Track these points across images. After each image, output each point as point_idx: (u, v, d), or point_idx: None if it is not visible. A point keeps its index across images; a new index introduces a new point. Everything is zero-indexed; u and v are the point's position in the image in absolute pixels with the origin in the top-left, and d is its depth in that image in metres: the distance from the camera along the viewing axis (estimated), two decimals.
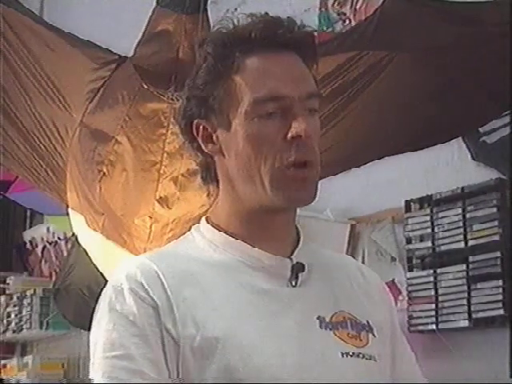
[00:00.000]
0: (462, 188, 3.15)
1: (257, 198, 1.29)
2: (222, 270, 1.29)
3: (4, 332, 5.00)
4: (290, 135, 1.25)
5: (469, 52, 2.31)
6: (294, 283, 1.30)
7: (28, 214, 5.53)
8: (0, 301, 5.08)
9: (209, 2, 2.70)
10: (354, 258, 3.63)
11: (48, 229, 5.17)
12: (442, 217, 3.19)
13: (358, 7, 3.74)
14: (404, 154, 2.84)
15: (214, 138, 1.31)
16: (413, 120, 2.58)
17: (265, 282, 1.28)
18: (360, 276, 1.44)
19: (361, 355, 1.29)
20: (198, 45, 1.34)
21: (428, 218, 3.23)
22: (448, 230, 3.16)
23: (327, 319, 1.30)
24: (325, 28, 3.88)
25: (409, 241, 3.32)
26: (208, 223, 1.35)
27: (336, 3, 3.84)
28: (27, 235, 5.46)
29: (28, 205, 4.60)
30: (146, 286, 1.23)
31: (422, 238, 3.27)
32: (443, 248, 3.17)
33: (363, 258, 3.59)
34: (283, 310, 1.27)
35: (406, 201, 3.34)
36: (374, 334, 1.33)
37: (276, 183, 1.26)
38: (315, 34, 1.36)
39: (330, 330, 1.29)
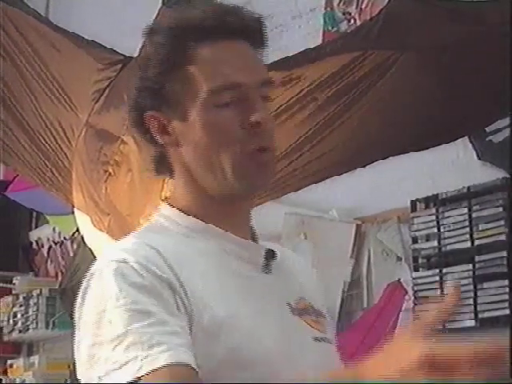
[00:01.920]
0: (468, 187, 3.14)
1: (218, 186, 1.28)
2: (208, 255, 1.27)
3: (10, 332, 5.01)
4: (249, 123, 1.26)
5: (474, 51, 2.31)
6: (267, 270, 1.32)
7: (34, 214, 5.53)
8: (6, 301, 5.09)
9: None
10: (359, 258, 3.66)
11: (54, 229, 5.18)
12: (448, 216, 3.19)
13: (363, 7, 3.74)
14: (409, 153, 2.84)
15: (170, 129, 1.30)
16: (418, 120, 2.58)
17: (244, 268, 1.29)
18: (302, 264, 1.49)
19: (325, 339, 1.35)
20: (146, 34, 1.33)
21: (434, 217, 3.23)
22: (454, 230, 3.15)
23: (293, 305, 1.33)
24: (330, 28, 3.88)
25: (415, 240, 3.32)
26: (176, 211, 1.32)
27: (341, 3, 3.84)
28: (33, 235, 5.47)
29: (27, 204, 4.61)
30: (153, 261, 1.19)
31: (427, 238, 3.27)
32: (449, 248, 3.17)
33: (369, 257, 3.59)
34: (265, 296, 1.29)
35: (412, 200, 3.34)
36: (326, 319, 1.39)
37: (237, 171, 1.26)
38: (262, 19, 1.34)
39: (299, 316, 1.32)
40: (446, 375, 0.92)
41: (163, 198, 1.38)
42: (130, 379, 1.09)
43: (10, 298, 5.06)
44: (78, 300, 1.23)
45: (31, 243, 5.48)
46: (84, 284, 1.23)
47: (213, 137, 1.26)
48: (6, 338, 5.07)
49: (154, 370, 1.08)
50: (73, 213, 4.17)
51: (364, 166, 2.86)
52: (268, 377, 1.18)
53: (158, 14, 2.71)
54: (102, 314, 1.15)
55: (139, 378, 1.08)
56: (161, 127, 1.30)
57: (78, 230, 4.49)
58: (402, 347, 0.97)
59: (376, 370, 0.99)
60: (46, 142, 2.84)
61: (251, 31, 1.31)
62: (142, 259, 1.19)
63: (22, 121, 2.75)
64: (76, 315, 1.23)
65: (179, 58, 1.27)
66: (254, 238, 1.36)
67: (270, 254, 1.33)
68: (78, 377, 1.20)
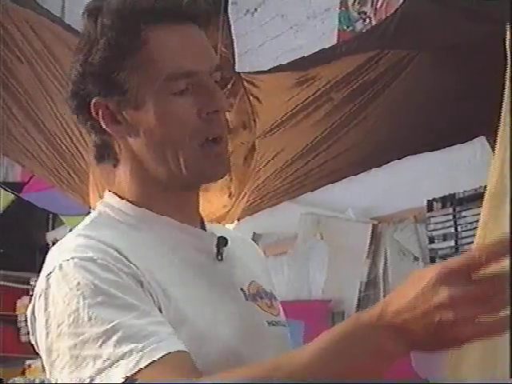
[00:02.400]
0: (485, 187, 3.13)
1: (172, 177, 1.25)
2: (162, 247, 1.24)
3: (28, 332, 5.03)
4: (207, 111, 1.22)
5: (490, 51, 2.30)
6: (220, 257, 1.30)
7: (50, 215, 5.56)
8: (24, 302, 5.12)
9: (229, 2, 2.71)
10: (376, 258, 3.66)
11: (70, 230, 5.19)
12: (465, 216, 3.18)
13: (378, 6, 3.73)
14: (425, 153, 2.83)
15: (120, 118, 1.23)
16: (433, 120, 2.58)
17: (198, 258, 1.28)
18: (249, 246, 1.48)
19: (279, 323, 1.34)
20: (90, 14, 1.24)
21: (451, 217, 3.23)
22: (471, 229, 3.14)
23: (246, 291, 1.31)
24: (345, 27, 3.87)
25: (431, 240, 3.31)
26: (125, 202, 1.27)
27: (356, 2, 3.83)
28: (50, 236, 5.50)
29: (42, 205, 4.62)
30: (114, 257, 1.15)
31: (444, 238, 3.26)
32: (466, 247, 3.16)
33: (386, 257, 3.59)
34: (220, 284, 1.28)
35: (429, 200, 3.34)
36: (277, 301, 1.38)
37: (193, 162, 1.23)
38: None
39: (252, 301, 1.31)
40: (466, 283, 0.94)
41: (110, 191, 1.30)
42: (128, 374, 1.04)
43: (27, 299, 5.09)
44: (38, 304, 1.15)
45: (48, 244, 5.51)
46: (40, 286, 1.16)
47: (168, 126, 1.22)
48: (23, 339, 5.10)
49: (152, 362, 1.04)
50: (88, 213, 4.19)
51: (380, 166, 2.86)
52: (231, 363, 1.15)
53: None
54: (78, 313, 1.09)
55: (137, 371, 1.04)
56: (109, 116, 1.24)
57: None
58: (417, 277, 0.97)
59: (398, 300, 0.99)
60: (63, 143, 2.85)
61: (203, 16, 1.25)
62: (103, 255, 1.15)
63: (38, 122, 2.76)
64: (39, 320, 1.14)
65: (130, 42, 1.21)
66: (202, 226, 1.33)
67: (222, 242, 1.31)
68: (60, 380, 1.11)
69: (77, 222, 4.17)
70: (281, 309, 1.39)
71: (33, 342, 1.21)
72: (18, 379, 4.96)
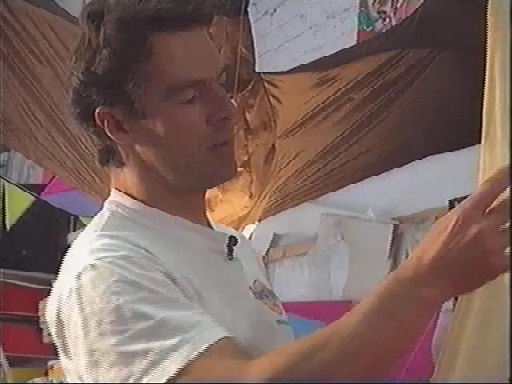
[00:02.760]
0: None
1: (183, 182, 1.26)
2: (180, 248, 1.24)
3: (50, 334, 5.05)
4: (218, 118, 1.22)
5: None
6: (230, 257, 1.30)
7: (72, 217, 5.58)
8: (46, 303, 5.14)
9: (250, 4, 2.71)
10: (397, 258, 3.64)
11: None
12: None
13: (398, 6, 3.72)
14: (446, 153, 2.82)
15: (126, 126, 1.22)
16: (454, 119, 2.57)
17: (213, 258, 1.28)
18: (247, 244, 1.48)
19: (285, 321, 1.35)
20: (86, 19, 1.21)
21: None
22: None
23: (253, 289, 1.32)
24: (365, 27, 3.86)
25: None
26: (140, 204, 1.26)
27: (376, 2, 3.82)
28: (71, 238, 5.51)
29: (61, 206, 4.64)
30: (146, 256, 1.15)
31: None
32: None
33: (407, 258, 3.57)
34: (234, 283, 1.28)
35: (450, 200, 3.31)
36: (279, 299, 1.39)
37: (204, 167, 1.24)
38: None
39: (259, 299, 1.32)
40: (487, 214, 1.01)
41: (117, 189, 1.29)
42: (183, 364, 1.03)
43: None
44: (68, 306, 1.13)
45: (69, 246, 5.53)
46: (67, 287, 1.14)
47: (177, 135, 1.21)
48: (46, 340, 5.11)
49: (205, 350, 1.04)
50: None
51: (401, 166, 2.85)
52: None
53: None
54: (119, 310, 1.08)
55: (191, 361, 1.03)
56: (115, 124, 1.22)
57: None
58: (443, 223, 1.03)
59: (431, 247, 1.04)
60: (84, 145, 2.86)
61: (208, 19, 1.24)
62: (135, 253, 1.14)
63: (61, 125, 2.78)
64: (74, 322, 1.12)
65: (136, 52, 1.18)
66: (209, 225, 1.34)
67: (233, 241, 1.31)
68: (106, 379, 1.09)
69: None
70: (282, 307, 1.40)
71: (58, 345, 1.20)
72: (37, 380, 4.97)
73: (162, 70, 1.19)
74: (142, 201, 1.26)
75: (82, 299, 1.11)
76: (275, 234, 4.14)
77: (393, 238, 3.62)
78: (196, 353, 1.04)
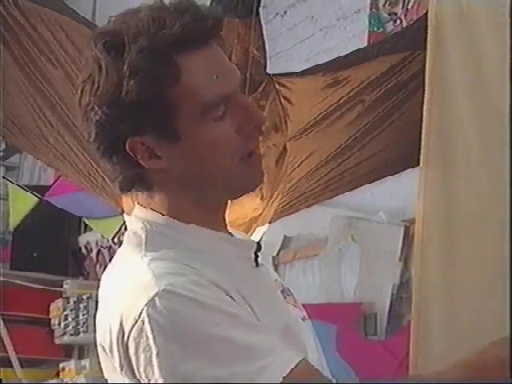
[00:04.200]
0: None
1: (218, 195, 1.27)
2: (219, 260, 1.25)
3: (62, 335, 5.06)
4: (250, 128, 1.23)
5: None
6: (256, 263, 1.32)
7: (82, 219, 5.58)
8: (57, 305, 5.14)
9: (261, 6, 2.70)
10: (408, 260, 3.62)
11: (102, 235, 5.22)
12: None
13: (409, 7, 3.70)
14: None
15: (159, 152, 1.21)
16: None
17: (243, 265, 1.29)
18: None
19: (306, 319, 1.37)
20: (103, 49, 1.19)
21: None
22: None
23: (277, 289, 1.34)
24: (375, 28, 3.85)
25: None
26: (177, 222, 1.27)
27: (387, 3, 3.81)
28: (82, 240, 5.52)
29: (66, 208, 4.65)
30: (208, 278, 1.18)
31: None
32: None
33: (415, 264, 3.55)
34: (269, 289, 1.31)
35: None
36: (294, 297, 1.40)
37: (238, 178, 1.25)
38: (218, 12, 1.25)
39: (284, 298, 1.34)
40: None
41: (143, 205, 1.28)
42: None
43: (60, 302, 5.12)
44: (139, 332, 1.14)
45: (80, 248, 5.53)
46: (136, 309, 1.14)
47: (213, 153, 1.22)
48: (57, 342, 5.12)
49: (288, 373, 1.09)
50: (114, 216, 4.20)
51: (415, 167, 2.83)
52: None
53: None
54: (199, 335, 1.12)
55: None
56: (147, 152, 1.21)
57: (118, 232, 4.56)
58: None
59: None
60: None
61: (219, 30, 1.24)
62: (197, 277, 1.16)
63: (72, 127, 2.77)
64: (147, 348, 1.13)
65: (165, 77, 1.18)
66: (229, 233, 1.34)
67: (258, 248, 1.32)
68: None
69: (101, 224, 4.19)
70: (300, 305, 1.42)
71: (113, 363, 1.20)
72: (52, 381, 4.99)
73: (193, 90, 1.19)
74: (171, 217, 1.26)
75: (158, 325, 1.12)
76: (285, 236, 4.13)
77: (404, 240, 3.61)
78: (284, 373, 1.09)
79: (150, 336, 1.12)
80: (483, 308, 1.70)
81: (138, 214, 1.28)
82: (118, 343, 1.17)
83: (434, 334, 1.87)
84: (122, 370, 1.18)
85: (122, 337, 1.16)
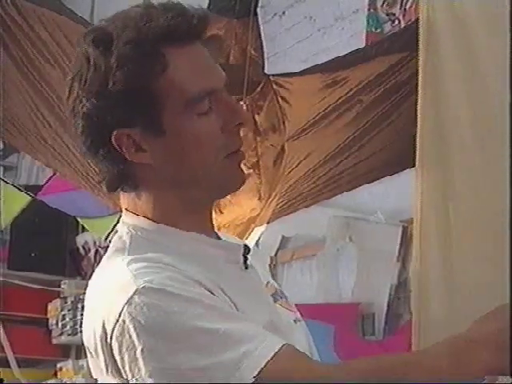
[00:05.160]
0: None
1: (202, 194, 1.27)
2: (203, 263, 1.24)
3: (59, 335, 5.06)
4: (233, 125, 1.24)
5: None
6: (246, 266, 1.32)
7: None
8: (55, 304, 5.14)
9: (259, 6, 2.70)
10: (406, 260, 3.62)
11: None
12: None
13: (407, 7, 3.70)
14: None
15: (145, 145, 1.22)
16: None
17: (231, 268, 1.29)
18: (254, 248, 1.48)
19: (299, 320, 1.38)
20: (91, 44, 1.20)
21: None
22: None
23: (267, 292, 1.35)
24: (373, 29, 3.85)
25: None
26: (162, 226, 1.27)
27: (385, 4, 3.80)
28: (80, 240, 5.52)
29: (58, 207, 4.64)
30: (185, 274, 1.18)
31: None
32: None
33: (413, 264, 3.54)
34: (255, 291, 1.31)
35: None
36: (288, 298, 1.40)
37: (222, 175, 1.25)
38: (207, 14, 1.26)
39: (275, 301, 1.34)
40: None
41: (130, 211, 1.28)
42: (255, 372, 1.09)
43: (58, 302, 5.11)
44: (122, 330, 1.14)
45: (78, 248, 5.53)
46: (117, 308, 1.14)
47: (198, 147, 1.22)
48: (55, 341, 5.12)
49: (273, 357, 1.10)
50: (107, 215, 4.21)
51: (412, 167, 2.82)
52: None
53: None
54: (181, 328, 1.12)
55: (262, 368, 1.09)
56: (133, 145, 1.22)
57: (111, 232, 4.57)
58: None
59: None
60: None
61: (204, 31, 1.24)
62: (177, 274, 1.17)
63: (70, 126, 2.77)
64: (130, 345, 1.13)
65: (152, 68, 1.19)
66: (217, 235, 1.34)
67: (247, 251, 1.33)
68: None
69: (94, 224, 4.17)
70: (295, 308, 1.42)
71: (99, 364, 1.20)
72: (50, 381, 4.98)
73: (179, 83, 1.20)
74: (157, 221, 1.26)
75: (139, 322, 1.12)
76: (283, 237, 4.12)
77: (402, 241, 3.60)
78: (265, 360, 1.09)
79: (133, 334, 1.12)
80: (483, 306, 1.70)
81: (125, 220, 1.29)
82: (101, 344, 1.18)
83: (435, 332, 1.87)
84: (107, 371, 1.19)
85: (105, 338, 1.16)
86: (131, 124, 1.21)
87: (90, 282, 1.27)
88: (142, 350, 1.12)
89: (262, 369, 1.09)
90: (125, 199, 1.29)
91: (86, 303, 1.27)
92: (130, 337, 1.13)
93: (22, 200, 4.88)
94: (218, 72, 1.26)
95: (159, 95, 1.19)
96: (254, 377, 1.08)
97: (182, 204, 1.26)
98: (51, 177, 4.62)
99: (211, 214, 1.32)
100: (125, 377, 1.16)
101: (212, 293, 1.17)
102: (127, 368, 1.14)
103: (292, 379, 1.11)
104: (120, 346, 1.14)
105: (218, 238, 1.34)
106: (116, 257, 1.24)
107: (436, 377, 1.16)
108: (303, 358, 1.16)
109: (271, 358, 1.10)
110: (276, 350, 1.11)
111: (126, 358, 1.14)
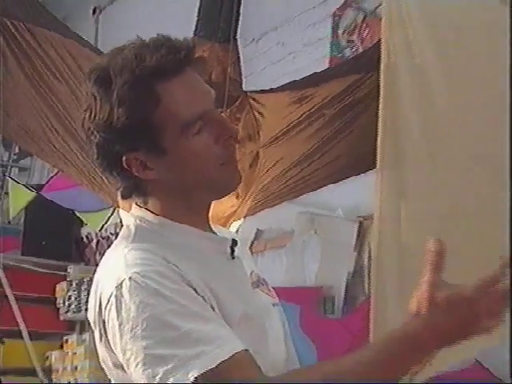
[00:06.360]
0: None
1: (202, 196, 1.28)
2: (198, 254, 1.25)
3: (66, 312, 5.02)
4: (224, 138, 1.24)
5: None
6: (233, 257, 1.31)
7: None
8: (62, 286, 5.10)
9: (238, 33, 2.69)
10: (361, 251, 3.63)
11: (102, 226, 5.19)
12: None
13: (364, 36, 3.71)
14: None
15: (151, 165, 1.23)
16: None
17: (220, 259, 1.29)
18: (241, 241, 1.45)
19: (277, 304, 1.37)
20: (94, 82, 1.21)
21: None
22: None
23: (251, 280, 1.34)
24: (336, 54, 3.85)
25: None
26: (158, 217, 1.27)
27: (345, 32, 3.81)
28: (84, 231, 5.48)
29: (59, 202, 4.62)
30: (174, 271, 1.17)
31: None
32: None
33: (370, 250, 3.55)
34: (241, 280, 1.31)
35: None
36: (269, 285, 1.39)
37: (219, 181, 1.26)
38: (191, 43, 1.26)
39: (256, 287, 1.33)
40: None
41: (139, 205, 1.29)
42: (201, 372, 1.06)
43: (64, 284, 5.07)
44: (108, 310, 1.15)
45: (82, 238, 5.49)
46: (108, 293, 1.16)
47: (196, 161, 1.23)
48: (61, 318, 5.08)
49: (222, 362, 1.07)
50: (101, 210, 4.19)
51: (365, 172, 2.83)
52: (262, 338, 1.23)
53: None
54: (152, 319, 1.11)
55: (209, 370, 1.06)
56: (141, 165, 1.23)
57: (104, 224, 4.56)
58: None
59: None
60: None
61: (192, 59, 1.24)
62: (164, 268, 1.16)
63: (75, 134, 2.75)
64: (112, 323, 1.15)
65: (148, 104, 1.19)
66: (212, 230, 1.34)
67: (234, 243, 1.32)
68: (134, 375, 1.12)
69: (90, 217, 4.13)
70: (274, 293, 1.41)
71: (96, 335, 1.21)
72: (55, 352, 4.94)
73: (173, 112, 1.20)
74: (162, 216, 1.27)
75: (121, 306, 1.13)
76: (258, 229, 4.11)
77: (358, 233, 3.61)
78: (216, 362, 1.06)
79: (114, 313, 1.14)
80: None
81: (133, 212, 1.30)
82: (97, 318, 1.19)
83: (389, 308, 1.88)
84: (101, 340, 1.20)
85: (100, 313, 1.18)
86: (137, 148, 1.22)
87: (101, 261, 1.28)
88: (119, 326, 1.13)
89: (210, 370, 1.05)
90: (135, 199, 1.30)
91: (94, 278, 1.27)
92: (113, 315, 1.14)
93: (28, 196, 4.88)
94: (207, 93, 1.25)
95: (157, 124, 1.20)
96: (199, 376, 1.05)
97: (184, 206, 1.27)
98: (52, 176, 4.61)
99: (208, 212, 1.32)
100: (111, 345, 1.17)
101: (192, 286, 1.16)
102: (110, 337, 1.16)
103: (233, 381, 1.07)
104: (107, 321, 1.16)
105: (213, 232, 1.33)
106: (121, 243, 1.25)
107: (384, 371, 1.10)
108: (254, 368, 1.10)
109: (221, 362, 1.06)
110: (226, 358, 1.07)
111: (110, 330, 1.16)
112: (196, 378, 1.05)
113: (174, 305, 1.12)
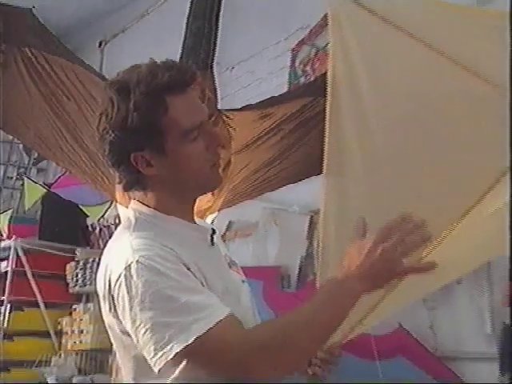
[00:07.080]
0: None
1: (193, 192, 1.28)
2: (186, 241, 1.25)
3: (74, 286, 4.96)
4: (214, 146, 1.25)
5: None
6: (212, 244, 1.32)
7: None
8: (71, 265, 5.04)
9: (214, 62, 2.68)
10: (311, 239, 3.63)
11: (103, 216, 5.13)
12: None
13: (315, 67, 3.72)
14: None
15: (153, 162, 1.23)
16: None
17: (202, 246, 1.29)
18: (217, 230, 1.47)
19: (245, 281, 1.38)
20: (116, 90, 1.21)
21: None
22: None
23: (225, 262, 1.35)
24: (293, 80, 3.86)
25: None
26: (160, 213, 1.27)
27: (301, 64, 3.82)
28: (89, 221, 5.42)
29: (66, 197, 4.61)
30: (172, 254, 1.17)
31: None
32: None
33: (318, 242, 3.56)
34: (221, 264, 1.31)
35: None
36: (239, 266, 1.41)
37: (208, 180, 1.27)
38: (194, 69, 1.29)
39: (230, 268, 1.35)
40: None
41: (138, 200, 1.29)
42: (200, 333, 1.07)
43: (73, 264, 5.02)
44: (118, 287, 1.15)
45: (88, 226, 5.43)
46: (118, 273, 1.15)
47: (190, 163, 1.23)
48: (70, 291, 5.02)
49: (215, 324, 1.09)
50: (100, 204, 4.18)
51: (317, 175, 2.84)
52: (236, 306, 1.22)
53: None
54: (157, 294, 1.11)
55: (206, 332, 1.08)
56: (145, 162, 1.23)
57: (102, 216, 4.55)
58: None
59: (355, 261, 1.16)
60: (98, 157, 2.80)
61: (194, 80, 1.26)
62: (164, 252, 1.16)
63: (81, 141, 2.72)
64: (122, 299, 1.14)
65: (158, 112, 1.20)
66: (194, 220, 1.34)
67: (213, 232, 1.33)
68: (139, 341, 1.12)
69: (91, 210, 4.08)
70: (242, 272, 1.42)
71: (105, 306, 1.21)
72: (65, 319, 4.88)
73: (177, 120, 1.22)
74: (156, 209, 1.27)
75: (130, 284, 1.14)
76: (230, 221, 4.10)
77: (309, 225, 3.62)
78: (211, 325, 1.08)
79: (124, 290, 1.15)
80: None
81: (132, 206, 1.29)
82: (107, 293, 1.18)
83: None
84: (110, 311, 1.19)
85: (109, 289, 1.18)
86: (144, 148, 1.22)
87: (106, 248, 1.27)
88: (129, 300, 1.14)
89: (206, 331, 1.08)
90: (135, 194, 1.29)
91: (101, 262, 1.26)
92: (123, 291, 1.15)
93: (40, 192, 4.88)
94: (203, 109, 1.27)
95: (163, 129, 1.21)
96: (198, 337, 1.07)
97: (176, 200, 1.26)
98: (60, 176, 4.62)
99: (194, 206, 1.32)
100: (119, 316, 1.17)
101: (188, 267, 1.16)
102: (120, 310, 1.16)
103: (227, 342, 1.10)
104: (117, 296, 1.16)
105: (196, 223, 1.33)
106: (124, 232, 1.25)
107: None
108: (239, 326, 1.14)
109: (215, 325, 1.09)
110: (218, 320, 1.09)
111: (120, 304, 1.15)
112: (195, 338, 1.07)
113: (174, 281, 1.12)
